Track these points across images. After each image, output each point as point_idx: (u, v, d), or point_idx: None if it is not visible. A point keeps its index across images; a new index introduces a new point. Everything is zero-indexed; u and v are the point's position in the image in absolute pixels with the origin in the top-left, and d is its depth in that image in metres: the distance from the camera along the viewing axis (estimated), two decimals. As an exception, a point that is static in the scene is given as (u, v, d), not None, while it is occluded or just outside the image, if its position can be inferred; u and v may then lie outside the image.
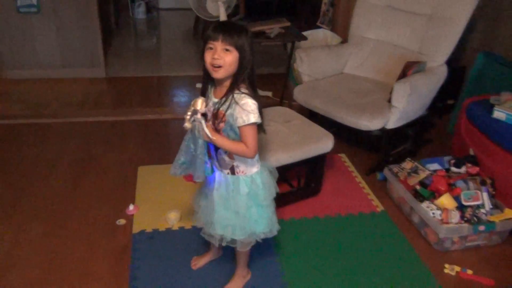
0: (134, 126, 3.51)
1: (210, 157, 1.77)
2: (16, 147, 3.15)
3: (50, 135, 3.34)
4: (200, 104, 1.62)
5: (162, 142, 3.27)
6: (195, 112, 1.62)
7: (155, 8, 7.13)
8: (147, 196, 2.65)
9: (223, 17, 3.70)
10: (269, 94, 4.11)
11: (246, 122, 1.63)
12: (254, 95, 1.67)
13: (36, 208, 2.53)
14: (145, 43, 6.05)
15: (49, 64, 4.29)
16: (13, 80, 4.22)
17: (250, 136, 1.66)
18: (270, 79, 4.41)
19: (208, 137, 1.64)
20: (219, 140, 1.66)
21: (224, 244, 1.88)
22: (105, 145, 3.21)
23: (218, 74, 1.63)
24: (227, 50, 1.60)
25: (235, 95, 1.65)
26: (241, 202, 1.80)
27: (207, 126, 1.63)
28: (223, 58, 1.60)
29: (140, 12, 6.79)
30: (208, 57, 1.62)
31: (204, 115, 1.64)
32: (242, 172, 1.79)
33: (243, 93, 1.65)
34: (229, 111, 1.65)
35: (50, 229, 2.37)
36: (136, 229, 2.38)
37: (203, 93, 1.77)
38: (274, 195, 1.89)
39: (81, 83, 4.26)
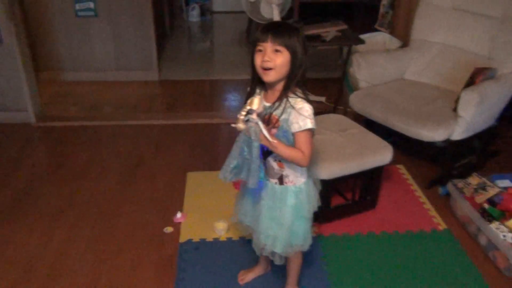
0: (185, 130, 3.47)
1: None
2: (70, 149, 3.19)
3: (103, 137, 3.37)
4: (256, 103, 1.48)
5: (211, 147, 3.21)
6: (250, 112, 1.48)
7: (209, 11, 7.15)
8: (195, 204, 2.58)
9: (277, 20, 3.59)
10: (323, 99, 3.97)
11: (303, 128, 1.53)
12: (307, 99, 1.57)
13: (85, 211, 2.53)
14: (198, 46, 6.06)
15: (105, 67, 4.36)
16: (70, 82, 4.33)
17: (307, 142, 1.56)
18: (323, 83, 4.26)
19: (267, 140, 1.51)
20: (278, 144, 1.54)
21: (264, 254, 1.78)
22: (155, 149, 3.19)
23: (269, 77, 1.53)
24: (277, 51, 1.50)
25: (290, 99, 1.55)
26: (287, 214, 1.69)
27: (264, 128, 1.51)
28: (273, 60, 1.50)
29: (194, 15, 6.82)
30: (258, 59, 1.53)
31: (260, 115, 1.51)
32: (291, 182, 1.69)
33: (299, 97, 1.55)
34: (283, 116, 1.55)
35: (98, 234, 2.36)
36: (183, 238, 2.32)
37: (250, 95, 1.66)
38: (316, 208, 1.77)
39: (135, 86, 4.30)
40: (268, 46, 1.50)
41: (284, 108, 1.54)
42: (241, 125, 1.48)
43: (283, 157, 1.58)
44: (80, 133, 3.41)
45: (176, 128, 3.50)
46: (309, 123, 1.53)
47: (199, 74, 4.68)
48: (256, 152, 1.54)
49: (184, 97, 4.12)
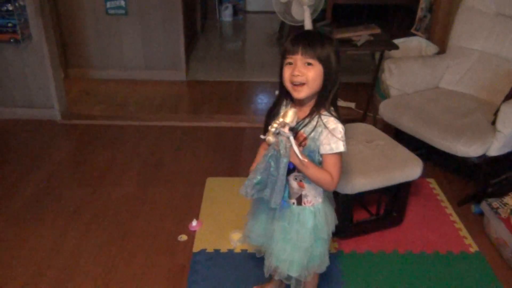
0: (208, 133, 3.40)
1: None
2: (92, 148, 3.17)
3: (125, 138, 3.33)
4: (291, 116, 1.34)
5: (234, 152, 3.12)
6: (282, 125, 1.35)
7: (242, 11, 7.08)
8: (212, 212, 2.50)
9: (307, 22, 3.47)
10: (352, 105, 3.82)
11: (335, 151, 1.41)
12: (339, 118, 1.45)
13: (101, 214, 2.49)
14: (228, 46, 5.99)
15: (133, 66, 4.35)
16: (98, 80, 4.34)
17: (336, 165, 1.45)
18: (353, 88, 4.12)
19: (298, 158, 1.38)
20: (309, 164, 1.40)
21: (276, 277, 1.66)
22: (176, 152, 3.13)
23: (300, 94, 1.41)
24: (309, 64, 1.38)
25: (322, 117, 1.43)
26: (306, 236, 1.57)
27: (296, 144, 1.37)
28: (305, 74, 1.38)
29: (227, 15, 6.77)
30: (287, 73, 1.41)
31: (293, 130, 1.39)
32: (309, 202, 1.57)
33: (332, 115, 1.43)
34: (312, 135, 1.43)
35: (111, 239, 2.31)
36: (196, 247, 2.24)
37: (273, 110, 1.55)
38: (334, 228, 1.65)
39: (162, 86, 4.27)
40: (298, 59, 1.39)
41: (315, 127, 1.43)
42: (271, 138, 1.36)
43: (310, 178, 1.46)
44: (103, 132, 3.39)
45: (200, 131, 3.43)
46: (341, 146, 1.41)
47: (228, 75, 4.60)
48: (283, 169, 1.41)
49: (211, 98, 4.06)
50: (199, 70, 4.68)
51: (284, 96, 1.52)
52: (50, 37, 3.38)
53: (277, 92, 1.56)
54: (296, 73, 1.38)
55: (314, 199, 1.57)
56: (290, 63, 1.41)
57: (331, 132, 1.41)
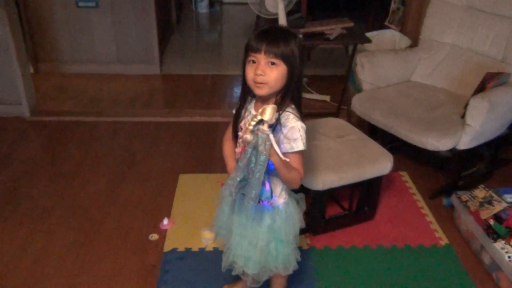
0: (181, 128, 3.35)
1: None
2: (63, 146, 3.10)
3: (97, 134, 3.27)
4: (269, 113, 1.29)
5: (207, 148, 3.09)
6: (261, 122, 1.31)
7: (218, 2, 7.00)
8: (184, 210, 2.47)
9: (282, 14, 3.44)
10: (327, 98, 3.82)
11: (295, 149, 1.40)
12: (300, 115, 1.43)
13: (70, 214, 2.44)
14: (205, 38, 5.92)
15: (105, 60, 4.26)
16: (70, 74, 4.24)
17: (301, 163, 1.45)
18: (329, 81, 4.12)
19: (278, 156, 1.35)
20: (287, 163, 1.38)
21: (234, 273, 1.65)
22: (149, 148, 3.08)
23: (261, 91, 1.38)
24: (272, 63, 1.35)
25: (282, 114, 1.41)
26: (261, 235, 1.55)
27: (276, 143, 1.34)
28: (267, 74, 1.35)
29: (203, 6, 6.69)
30: (250, 72, 1.37)
31: (271, 126, 1.34)
32: (268, 201, 1.54)
33: (291, 113, 1.41)
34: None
35: (80, 239, 2.26)
36: (167, 246, 2.21)
37: (241, 106, 1.53)
38: (298, 231, 1.62)
39: (135, 80, 4.20)
40: (261, 58, 1.35)
41: (275, 124, 1.39)
42: (248, 137, 1.31)
43: (284, 177, 1.43)
44: (74, 129, 3.32)
45: (173, 126, 3.38)
46: (300, 145, 1.40)
47: (204, 68, 4.55)
48: (261, 166, 1.34)
49: (184, 92, 4.00)
50: (173, 63, 4.61)
51: (247, 93, 1.49)
52: (16, 31, 3.28)
53: (239, 102, 1.53)
54: (259, 72, 1.35)
55: (273, 199, 1.54)
56: (253, 62, 1.37)
57: (290, 131, 1.39)
